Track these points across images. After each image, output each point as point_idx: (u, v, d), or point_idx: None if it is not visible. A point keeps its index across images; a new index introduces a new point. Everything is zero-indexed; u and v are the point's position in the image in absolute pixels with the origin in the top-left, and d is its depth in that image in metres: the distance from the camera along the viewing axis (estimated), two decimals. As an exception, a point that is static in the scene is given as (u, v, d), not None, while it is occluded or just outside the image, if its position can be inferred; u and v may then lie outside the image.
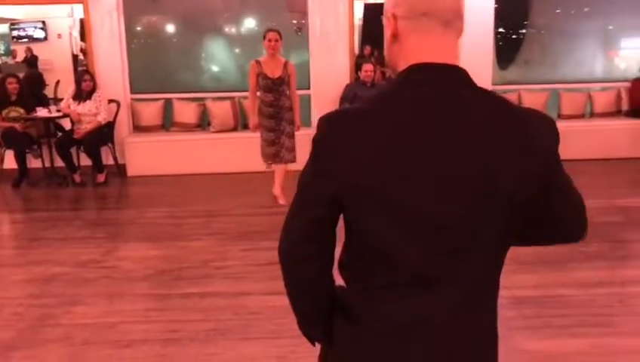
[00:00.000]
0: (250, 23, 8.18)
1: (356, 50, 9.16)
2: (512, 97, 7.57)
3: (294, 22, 7.87)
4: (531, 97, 7.56)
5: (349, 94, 7.07)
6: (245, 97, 7.50)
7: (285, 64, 5.54)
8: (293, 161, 5.60)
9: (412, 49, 1.16)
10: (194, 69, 8.18)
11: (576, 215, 1.25)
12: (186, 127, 7.53)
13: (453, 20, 1.15)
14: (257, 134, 5.71)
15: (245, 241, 4.83)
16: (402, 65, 1.16)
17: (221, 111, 7.46)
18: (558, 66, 8.25)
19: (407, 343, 1.17)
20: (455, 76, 1.14)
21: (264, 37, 5.47)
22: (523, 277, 3.88)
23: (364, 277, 1.21)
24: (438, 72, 1.13)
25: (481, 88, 1.15)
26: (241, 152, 7.14)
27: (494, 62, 7.63)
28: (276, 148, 5.59)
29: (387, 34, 1.19)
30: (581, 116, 7.77)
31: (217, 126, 7.43)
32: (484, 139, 1.10)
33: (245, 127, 7.55)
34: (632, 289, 3.82)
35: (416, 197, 1.10)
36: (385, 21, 1.21)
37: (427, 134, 1.09)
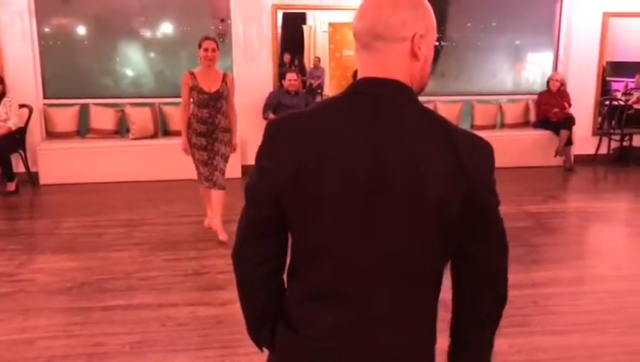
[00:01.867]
0: (170, 28, 8.04)
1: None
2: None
3: (215, 28, 7.80)
4: (446, 108, 7.88)
5: (273, 102, 7.10)
6: (166, 103, 7.42)
7: (224, 76, 4.93)
8: (224, 186, 4.94)
9: (361, 69, 1.26)
10: (112, 74, 7.93)
11: (496, 266, 1.30)
12: (103, 134, 7.28)
13: (370, 42, 1.22)
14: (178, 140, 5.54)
15: (169, 251, 4.73)
16: None
17: (140, 117, 7.27)
18: (471, 79, 8.64)
19: (336, 354, 1.22)
20: (390, 90, 1.21)
21: (199, 46, 4.83)
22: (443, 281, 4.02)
23: (299, 284, 1.28)
24: (371, 86, 1.22)
25: (417, 103, 1.23)
26: (161, 160, 7.01)
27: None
28: (209, 170, 4.90)
29: None
30: (493, 127, 8.18)
31: (136, 133, 7.23)
32: (412, 149, 1.17)
33: (166, 133, 7.42)
34: (544, 290, 4.05)
35: (346, 199, 1.16)
36: None
37: (356, 139, 1.17)
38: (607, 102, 8.48)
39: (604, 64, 8.38)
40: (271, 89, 7.36)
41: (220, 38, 7.65)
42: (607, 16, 8.07)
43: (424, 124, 1.21)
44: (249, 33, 7.29)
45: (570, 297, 3.96)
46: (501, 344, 3.25)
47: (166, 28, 8.03)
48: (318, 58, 13.22)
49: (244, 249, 1.30)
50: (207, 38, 4.88)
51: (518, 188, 6.67)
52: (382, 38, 1.21)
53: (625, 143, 8.30)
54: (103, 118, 7.31)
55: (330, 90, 12.54)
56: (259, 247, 1.29)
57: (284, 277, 1.33)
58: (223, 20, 7.77)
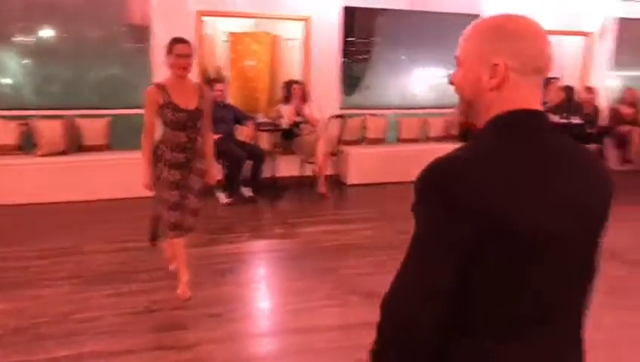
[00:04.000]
0: (83, 33, 7.30)
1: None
2: (357, 121, 7.75)
3: (131, 33, 7.20)
4: (374, 121, 7.82)
5: (200, 115, 6.64)
6: (80, 116, 6.73)
7: (200, 89, 3.95)
8: (193, 229, 4.03)
9: (517, 98, 1.19)
10: (14, 81, 7.07)
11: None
12: (5, 150, 6.45)
13: (547, 71, 1.22)
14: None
15: (108, 285, 4.18)
16: (495, 111, 1.19)
17: (49, 131, 6.52)
18: (398, 93, 8.62)
19: None
20: (548, 122, 1.21)
21: (168, 50, 3.75)
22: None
23: (480, 329, 1.14)
24: (541, 121, 1.20)
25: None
26: (75, 179, 6.34)
27: (341, 89, 7.77)
28: (180, 214, 3.90)
29: (482, 79, 1.20)
30: (417, 140, 8.21)
31: (45, 149, 6.48)
32: (579, 180, 1.18)
33: (80, 149, 6.73)
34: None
35: (541, 231, 1.10)
36: (475, 62, 1.21)
37: (541, 173, 1.13)
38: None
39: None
40: (196, 101, 6.89)
41: (138, 45, 7.11)
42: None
43: (572, 150, 1.22)
44: (172, 41, 6.79)
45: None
46: None
47: (78, 33, 7.28)
48: (220, 67, 12.81)
49: (417, 320, 1.09)
50: (179, 41, 3.78)
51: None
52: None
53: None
54: (3, 131, 6.48)
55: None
56: (432, 318, 1.09)
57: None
58: (139, 27, 7.17)
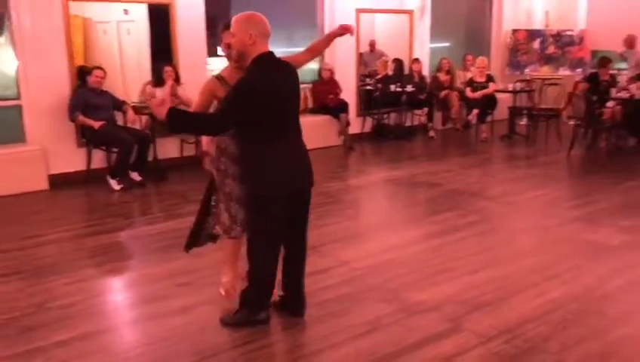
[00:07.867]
0: None
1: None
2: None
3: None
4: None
5: (79, 102, 6.49)
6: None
7: None
8: None
9: (260, 49, 2.96)
10: None
11: None
12: None
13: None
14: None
15: (62, 274, 4.13)
16: (253, 56, 2.95)
17: None
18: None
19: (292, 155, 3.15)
20: (274, 55, 3.03)
21: (221, 37, 3.31)
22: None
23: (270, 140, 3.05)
24: (272, 55, 3.02)
25: (280, 58, 3.08)
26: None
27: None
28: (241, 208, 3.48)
29: (246, 41, 2.93)
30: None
31: None
32: (291, 78, 3.10)
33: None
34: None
35: (283, 102, 3.02)
36: (241, 34, 2.94)
37: (280, 78, 3.02)
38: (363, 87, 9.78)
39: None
40: (67, 88, 6.68)
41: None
42: (358, 12, 9.33)
43: (287, 66, 3.10)
44: (37, 26, 6.47)
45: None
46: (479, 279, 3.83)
47: None
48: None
49: (229, 124, 3.01)
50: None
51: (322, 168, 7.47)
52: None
53: (386, 121, 9.78)
54: None
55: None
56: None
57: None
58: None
